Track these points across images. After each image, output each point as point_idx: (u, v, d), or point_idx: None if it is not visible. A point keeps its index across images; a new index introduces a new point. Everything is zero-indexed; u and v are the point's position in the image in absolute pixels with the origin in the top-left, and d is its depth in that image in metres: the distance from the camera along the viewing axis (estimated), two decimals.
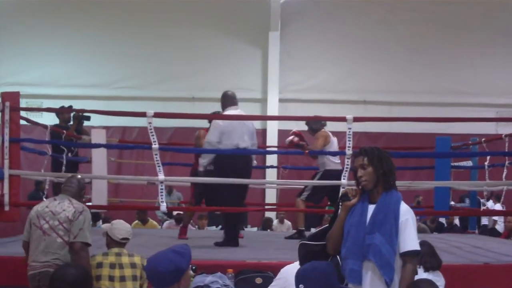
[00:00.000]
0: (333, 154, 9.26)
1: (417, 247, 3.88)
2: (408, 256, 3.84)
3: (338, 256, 4.08)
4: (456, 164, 10.84)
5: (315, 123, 9.39)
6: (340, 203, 4.12)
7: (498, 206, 12.55)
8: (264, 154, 14.74)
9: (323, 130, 9.33)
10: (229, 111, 8.17)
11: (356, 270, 3.90)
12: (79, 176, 5.93)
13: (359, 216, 3.96)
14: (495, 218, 13.17)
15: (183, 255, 3.73)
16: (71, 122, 10.26)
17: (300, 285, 3.89)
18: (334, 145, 9.35)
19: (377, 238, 3.84)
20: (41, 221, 5.34)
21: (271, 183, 12.97)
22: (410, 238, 3.86)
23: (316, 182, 9.17)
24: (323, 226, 4.32)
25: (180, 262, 3.67)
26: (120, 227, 5.61)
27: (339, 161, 9.22)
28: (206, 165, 7.99)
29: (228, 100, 8.30)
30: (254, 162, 8.75)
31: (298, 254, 4.26)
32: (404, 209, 3.94)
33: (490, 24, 16.58)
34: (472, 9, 16.59)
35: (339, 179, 7.89)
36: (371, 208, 3.96)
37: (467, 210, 11.45)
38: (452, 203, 11.46)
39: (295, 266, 4.37)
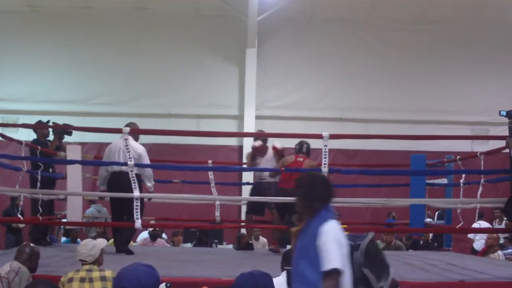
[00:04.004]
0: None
1: (331, 266, 3.81)
2: (323, 275, 3.82)
3: None
4: (431, 181, 10.88)
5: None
6: None
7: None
8: (239, 171, 14.73)
9: None
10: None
11: None
12: (31, 245, 6.13)
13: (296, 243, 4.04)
14: (470, 236, 13.19)
15: (152, 269, 3.85)
16: (49, 137, 10.16)
17: None
18: None
19: (302, 263, 3.89)
20: None
21: (246, 200, 12.93)
22: (326, 258, 3.82)
23: (289, 199, 9.21)
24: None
25: (156, 274, 3.77)
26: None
27: None
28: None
29: None
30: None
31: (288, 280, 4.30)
32: (325, 230, 3.89)
33: (466, 42, 16.78)
34: (447, 28, 16.79)
35: None
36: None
37: (442, 227, 11.48)
38: (428, 220, 11.51)
39: (280, 280, 4.56)
